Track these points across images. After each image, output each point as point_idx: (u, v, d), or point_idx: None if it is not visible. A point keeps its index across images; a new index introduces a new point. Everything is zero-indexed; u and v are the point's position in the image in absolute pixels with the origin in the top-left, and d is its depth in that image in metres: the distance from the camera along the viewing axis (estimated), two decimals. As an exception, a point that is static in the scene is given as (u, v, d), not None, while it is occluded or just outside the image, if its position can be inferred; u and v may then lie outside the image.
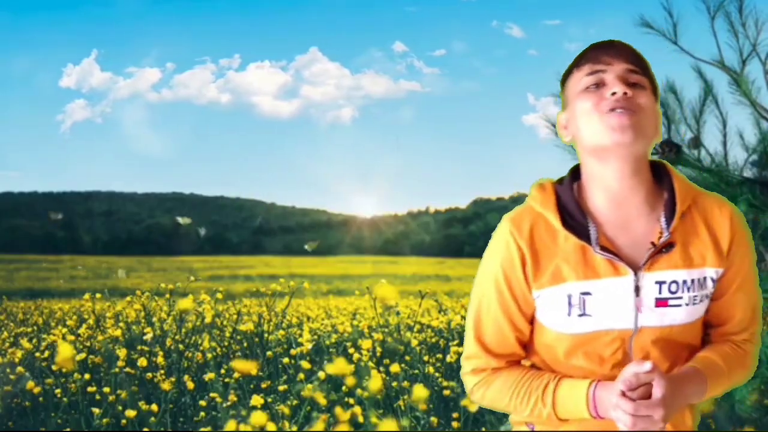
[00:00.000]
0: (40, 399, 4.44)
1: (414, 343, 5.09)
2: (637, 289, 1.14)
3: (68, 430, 4.01)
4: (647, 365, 1.08)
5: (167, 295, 5.12)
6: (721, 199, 1.21)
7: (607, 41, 1.19)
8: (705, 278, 1.17)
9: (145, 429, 3.60)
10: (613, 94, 1.13)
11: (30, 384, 3.69)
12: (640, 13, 2.37)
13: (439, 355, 4.94)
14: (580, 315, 1.15)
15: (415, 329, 6.01)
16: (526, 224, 1.18)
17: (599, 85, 1.15)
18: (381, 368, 3.78)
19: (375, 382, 1.92)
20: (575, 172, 1.23)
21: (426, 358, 4.87)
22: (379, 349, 4.26)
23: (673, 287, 1.15)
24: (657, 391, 1.08)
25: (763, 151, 2.35)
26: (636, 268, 1.14)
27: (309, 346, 4.48)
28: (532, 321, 1.24)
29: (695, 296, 1.16)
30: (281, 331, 5.59)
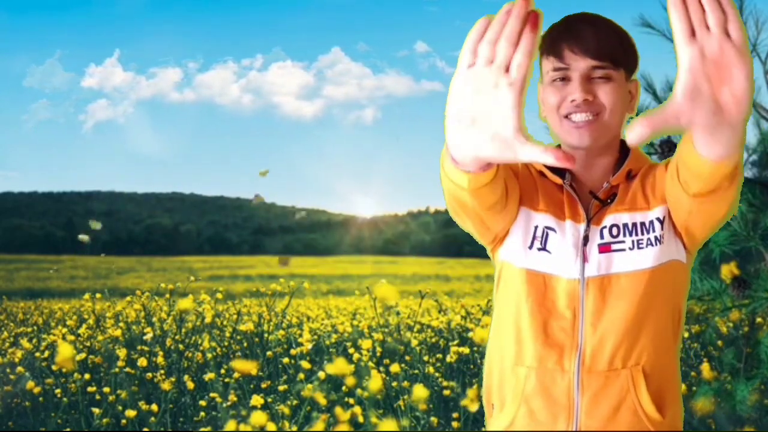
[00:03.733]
0: (40, 399, 4.44)
1: (414, 343, 5.09)
2: (585, 240, 1.14)
3: (68, 430, 4.01)
4: None
5: (167, 295, 5.12)
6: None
7: (574, 25, 1.14)
8: (651, 222, 1.14)
9: (145, 429, 3.60)
10: (573, 100, 1.13)
11: (30, 384, 3.69)
12: (640, 12, 2.38)
13: (439, 355, 4.93)
14: (540, 249, 1.15)
15: (415, 329, 6.01)
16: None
17: (564, 78, 1.15)
18: (381, 368, 3.78)
19: (375, 382, 1.92)
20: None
21: (426, 358, 4.87)
22: (379, 349, 4.25)
23: (614, 231, 1.14)
24: None
25: (763, 151, 2.35)
26: (587, 219, 1.16)
27: (309, 346, 4.48)
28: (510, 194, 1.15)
29: (639, 240, 1.13)
30: (281, 331, 5.58)
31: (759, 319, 4.08)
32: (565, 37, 1.14)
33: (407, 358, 4.73)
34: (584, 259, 1.13)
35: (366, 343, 3.61)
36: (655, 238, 1.13)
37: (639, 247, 1.13)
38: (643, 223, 1.14)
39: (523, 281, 1.16)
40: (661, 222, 1.14)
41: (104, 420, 3.38)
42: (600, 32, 1.13)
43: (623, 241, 1.13)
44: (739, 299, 2.27)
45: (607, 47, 1.13)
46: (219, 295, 5.07)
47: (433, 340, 5.82)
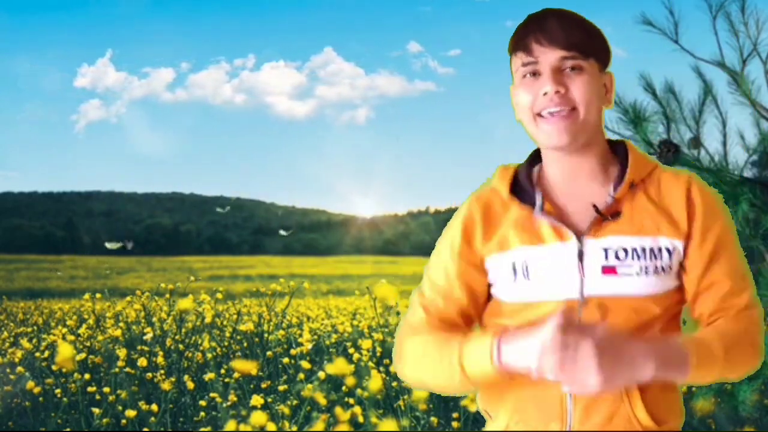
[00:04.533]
0: (40, 399, 4.44)
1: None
2: (581, 255, 1.09)
3: (68, 430, 4.01)
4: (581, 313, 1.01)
5: (167, 295, 5.12)
6: (680, 171, 1.16)
7: (540, 23, 1.12)
8: (660, 249, 1.09)
9: (145, 429, 3.60)
10: (545, 93, 1.10)
11: (30, 384, 3.69)
12: (641, 11, 2.38)
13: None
14: (526, 281, 1.11)
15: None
16: (483, 197, 1.18)
17: (535, 73, 1.12)
18: (381, 368, 3.78)
19: (375, 382, 1.92)
20: (539, 153, 1.21)
21: (426, 358, 4.87)
22: (379, 349, 4.25)
23: (621, 254, 1.09)
24: (590, 330, 0.97)
25: (763, 151, 2.35)
26: (580, 234, 1.10)
27: (309, 346, 4.48)
28: (480, 299, 1.18)
29: (647, 266, 1.08)
30: (281, 331, 5.58)
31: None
32: (532, 30, 1.12)
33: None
34: (581, 274, 1.09)
35: (366, 343, 3.61)
36: (662, 267, 1.10)
37: (646, 274, 1.09)
38: (652, 249, 1.09)
39: (510, 311, 1.14)
40: (670, 253, 1.10)
41: (104, 420, 3.38)
42: (566, 23, 1.11)
43: (631, 266, 1.09)
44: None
45: (574, 37, 1.11)
46: (219, 295, 5.08)
47: (433, 340, 5.80)
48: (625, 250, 1.09)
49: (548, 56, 1.10)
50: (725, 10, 2.33)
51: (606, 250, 1.09)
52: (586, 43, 1.11)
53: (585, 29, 1.12)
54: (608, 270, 1.08)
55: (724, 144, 2.38)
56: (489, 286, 1.17)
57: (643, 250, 1.09)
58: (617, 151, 1.18)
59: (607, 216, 1.10)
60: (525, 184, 1.16)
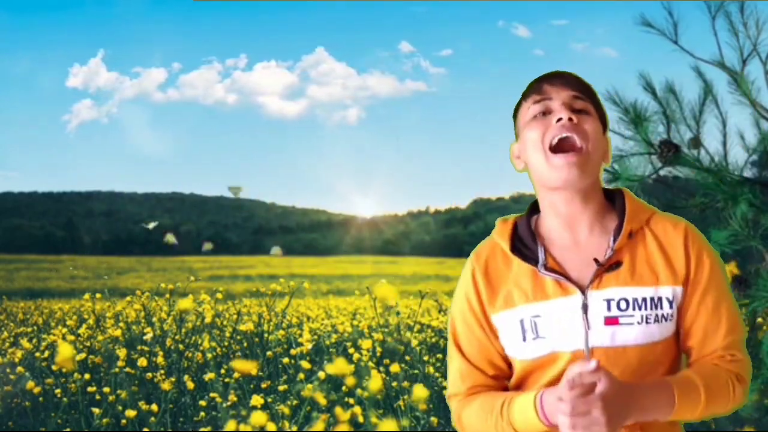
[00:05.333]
0: (40, 399, 4.44)
1: (414, 343, 5.09)
2: (585, 308, 1.14)
3: (68, 430, 4.01)
4: (592, 363, 1.04)
5: (167, 295, 5.12)
6: (676, 218, 1.21)
7: (553, 72, 1.21)
8: (660, 298, 1.14)
9: (145, 429, 3.60)
10: (559, 120, 1.16)
11: (30, 384, 3.69)
12: (641, 12, 2.38)
13: (439, 355, 4.94)
14: (534, 338, 1.17)
15: (415, 329, 6.01)
16: (484, 254, 1.25)
17: (546, 112, 1.18)
18: (381, 368, 3.78)
19: (375, 382, 1.92)
20: (536, 204, 1.26)
21: (426, 358, 4.87)
22: (379, 349, 4.25)
23: (623, 305, 1.13)
24: (598, 387, 1.04)
25: (763, 151, 2.35)
26: (584, 287, 1.15)
27: (309, 346, 4.48)
28: (502, 354, 1.25)
29: (648, 315, 1.13)
30: (281, 331, 5.59)
31: (759, 320, 4.08)
32: (545, 78, 1.21)
33: (407, 358, 4.73)
34: (586, 326, 1.14)
35: (366, 343, 3.61)
36: (662, 316, 1.14)
37: (647, 322, 1.13)
38: (652, 299, 1.14)
39: (527, 366, 1.20)
40: (670, 302, 1.15)
41: (104, 420, 3.38)
42: (575, 76, 1.20)
43: (632, 315, 1.13)
44: (739, 299, 2.27)
45: (584, 85, 1.20)
46: (219, 295, 5.08)
47: (433, 340, 5.82)
48: (626, 301, 1.14)
49: (560, 94, 1.18)
50: (725, 10, 2.33)
51: (608, 302, 1.14)
52: (593, 95, 1.20)
53: (591, 88, 1.22)
54: (611, 321, 1.13)
55: (724, 144, 2.38)
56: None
57: (644, 300, 1.14)
58: (614, 199, 1.23)
59: (608, 267, 1.15)
60: (526, 238, 1.22)
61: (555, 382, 1.14)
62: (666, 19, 2.38)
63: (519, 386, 1.24)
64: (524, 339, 1.18)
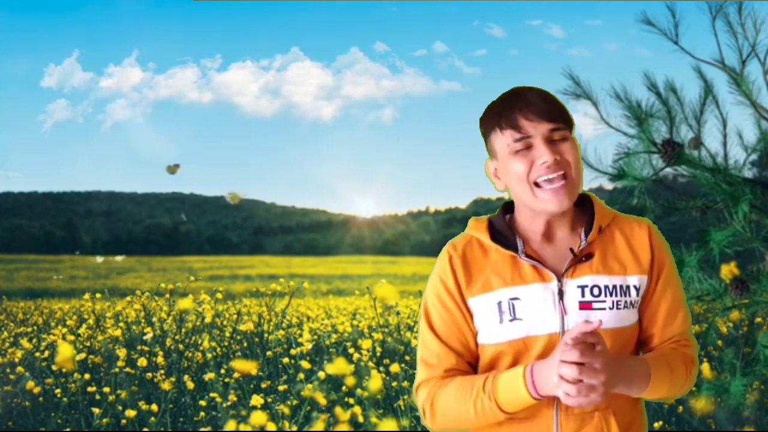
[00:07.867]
0: (40, 399, 4.44)
1: (414, 343, 5.09)
2: (561, 294, 1.23)
3: (68, 430, 4.01)
4: (594, 323, 1.11)
5: (167, 295, 5.13)
6: (639, 218, 1.33)
7: (526, 101, 1.23)
8: (628, 286, 1.26)
9: (145, 429, 3.60)
10: (544, 162, 1.21)
11: (30, 384, 3.70)
12: (643, 10, 2.38)
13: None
14: (512, 320, 1.23)
15: (415, 329, 6.01)
16: (460, 245, 1.31)
17: (528, 147, 1.23)
18: (381, 368, 3.78)
19: (375, 382, 1.92)
20: (507, 206, 1.34)
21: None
22: (379, 349, 4.26)
23: (596, 291, 1.24)
24: (598, 346, 1.12)
25: (763, 151, 2.35)
26: (560, 275, 1.24)
27: (309, 346, 4.48)
28: (475, 338, 1.29)
29: (618, 301, 1.24)
30: (281, 331, 5.59)
31: (758, 319, 4.08)
32: (516, 107, 1.23)
33: (407, 358, 4.73)
34: (563, 312, 1.22)
35: (366, 343, 3.62)
36: (630, 302, 1.26)
37: (618, 308, 1.24)
38: (621, 287, 1.25)
39: (499, 351, 1.25)
40: (637, 290, 1.27)
41: (104, 420, 3.38)
42: (544, 98, 1.24)
43: (604, 301, 1.24)
44: (739, 299, 2.27)
45: (556, 109, 1.24)
46: (219, 295, 5.08)
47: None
48: (599, 288, 1.24)
49: (539, 129, 1.22)
50: (724, 11, 2.33)
51: (582, 288, 1.24)
52: (565, 115, 1.25)
53: (559, 102, 1.27)
54: (585, 306, 1.24)
55: (725, 144, 2.38)
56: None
57: (614, 287, 1.25)
58: (583, 202, 1.32)
59: (581, 258, 1.25)
60: (505, 231, 1.30)
61: (523, 362, 1.22)
62: (667, 19, 2.38)
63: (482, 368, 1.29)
64: (501, 321, 1.24)
